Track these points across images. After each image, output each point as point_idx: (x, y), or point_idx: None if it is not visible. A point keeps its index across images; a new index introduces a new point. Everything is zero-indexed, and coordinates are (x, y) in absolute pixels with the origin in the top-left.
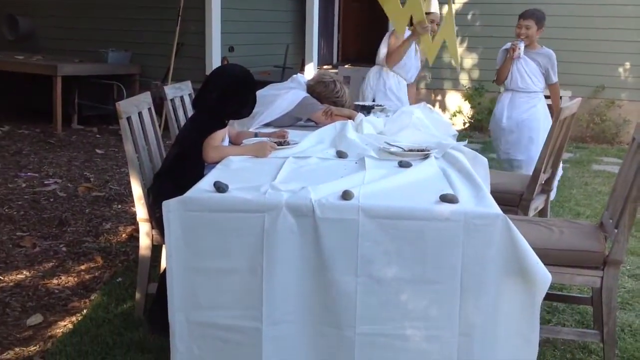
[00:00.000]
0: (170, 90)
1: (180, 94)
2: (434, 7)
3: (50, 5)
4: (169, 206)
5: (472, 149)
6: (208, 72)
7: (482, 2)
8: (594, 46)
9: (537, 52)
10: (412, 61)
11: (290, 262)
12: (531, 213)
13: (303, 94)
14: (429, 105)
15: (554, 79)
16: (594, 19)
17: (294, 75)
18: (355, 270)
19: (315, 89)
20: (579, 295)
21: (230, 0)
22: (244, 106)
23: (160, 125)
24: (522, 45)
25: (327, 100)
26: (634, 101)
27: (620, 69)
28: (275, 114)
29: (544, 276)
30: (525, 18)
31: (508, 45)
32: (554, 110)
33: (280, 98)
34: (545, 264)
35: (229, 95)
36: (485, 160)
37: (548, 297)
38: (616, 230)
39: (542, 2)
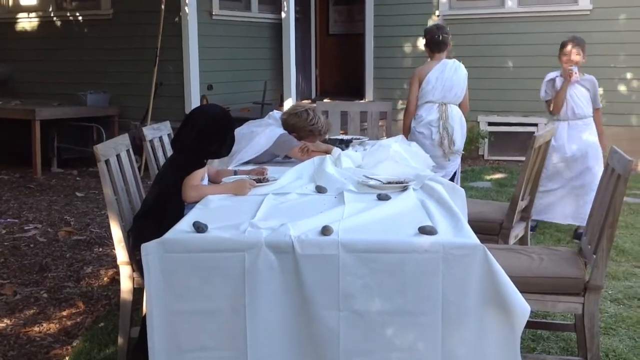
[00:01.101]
0: (149, 131)
1: (159, 134)
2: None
3: (27, 49)
4: (148, 249)
5: None
6: (187, 111)
7: (455, 34)
8: None
9: (583, 79)
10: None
11: (272, 300)
12: (512, 241)
13: (280, 130)
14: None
15: (599, 104)
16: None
17: (271, 112)
18: (337, 305)
19: (289, 122)
20: (563, 322)
21: (208, 39)
22: (223, 146)
23: (140, 166)
24: (576, 70)
25: (303, 130)
26: (609, 126)
27: None
28: (253, 152)
29: (522, 308)
30: (575, 45)
31: (552, 75)
32: (599, 134)
33: (258, 135)
34: (526, 292)
35: (207, 136)
36: (463, 191)
37: (532, 325)
38: (595, 256)
39: (515, 32)
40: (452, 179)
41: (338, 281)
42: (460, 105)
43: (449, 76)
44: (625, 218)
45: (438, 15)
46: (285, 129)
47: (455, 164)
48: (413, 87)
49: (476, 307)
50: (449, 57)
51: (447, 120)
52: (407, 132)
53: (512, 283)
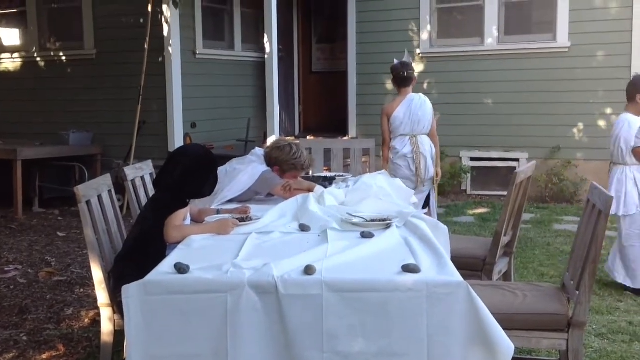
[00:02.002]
0: (130, 171)
1: (140, 174)
2: None
3: (10, 89)
4: (128, 291)
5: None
6: (171, 149)
7: (437, 71)
8: (548, 109)
9: None
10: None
11: (255, 342)
12: (495, 277)
13: (263, 168)
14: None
15: None
16: (547, 83)
17: (254, 149)
18: (321, 346)
19: (272, 155)
20: (547, 358)
21: (192, 77)
22: (205, 186)
23: (122, 205)
24: None
25: (286, 164)
26: (590, 160)
27: (574, 130)
28: (236, 190)
29: (507, 346)
30: None
31: None
32: None
33: (241, 173)
34: (511, 329)
35: (190, 175)
36: (446, 228)
37: None
38: (578, 292)
39: (495, 69)
40: (427, 203)
41: (322, 321)
42: (429, 135)
43: (415, 111)
44: (608, 252)
45: (410, 51)
46: (267, 162)
47: (427, 189)
48: (383, 122)
49: (461, 345)
50: (426, 95)
51: (420, 150)
52: (386, 162)
53: (495, 321)
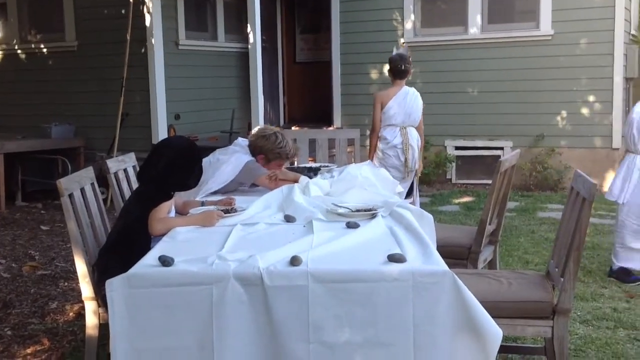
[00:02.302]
0: (113, 164)
1: (123, 166)
2: None
3: None
4: (112, 284)
5: (421, 202)
6: (155, 141)
7: (421, 60)
8: (532, 97)
9: None
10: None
11: (241, 334)
12: (480, 265)
13: (246, 157)
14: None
15: None
16: (531, 71)
17: (237, 140)
18: (307, 336)
19: (257, 144)
20: (533, 345)
21: (175, 68)
22: (190, 178)
23: (106, 198)
24: None
25: (271, 152)
26: (573, 148)
27: (558, 118)
28: (221, 182)
29: (495, 332)
30: None
31: None
32: None
33: (225, 164)
34: (496, 317)
35: (174, 168)
36: (431, 217)
37: (503, 349)
38: (562, 279)
39: (479, 58)
40: (410, 191)
41: (308, 312)
42: (417, 128)
43: (409, 104)
44: (592, 239)
45: (403, 43)
46: (252, 151)
47: (411, 179)
48: (376, 109)
49: (448, 334)
50: (410, 84)
51: (409, 142)
52: (374, 150)
53: (482, 308)
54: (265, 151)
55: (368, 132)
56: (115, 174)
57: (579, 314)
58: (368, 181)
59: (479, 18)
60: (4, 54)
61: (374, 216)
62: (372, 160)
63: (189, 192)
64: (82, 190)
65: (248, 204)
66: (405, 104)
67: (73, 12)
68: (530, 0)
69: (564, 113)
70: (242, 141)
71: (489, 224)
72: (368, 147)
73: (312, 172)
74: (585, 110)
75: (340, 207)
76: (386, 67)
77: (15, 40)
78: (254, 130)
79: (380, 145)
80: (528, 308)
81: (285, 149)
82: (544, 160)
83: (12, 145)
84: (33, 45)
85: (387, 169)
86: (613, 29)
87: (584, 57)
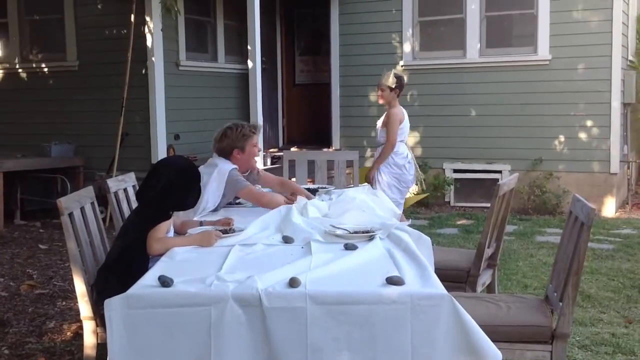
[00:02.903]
0: (113, 183)
1: (123, 186)
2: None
3: None
4: (111, 304)
5: (419, 225)
6: (154, 161)
7: (419, 83)
8: (530, 121)
9: None
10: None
11: (239, 355)
12: (479, 288)
13: (227, 167)
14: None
15: None
16: (528, 95)
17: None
18: (305, 358)
19: (224, 146)
20: None
21: (175, 89)
22: (188, 197)
23: (105, 217)
24: None
25: (239, 141)
26: (571, 172)
27: (556, 142)
28: (213, 202)
29: (494, 354)
30: None
31: None
32: None
33: (209, 183)
34: (495, 340)
35: (173, 188)
36: (429, 239)
37: None
38: (561, 303)
39: (477, 82)
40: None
41: (306, 334)
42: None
43: (407, 119)
44: (590, 264)
45: (402, 66)
46: (224, 155)
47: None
48: (397, 126)
49: (447, 357)
50: (408, 107)
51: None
52: (382, 162)
53: (481, 331)
54: (234, 144)
55: (368, 154)
56: (116, 193)
57: (577, 339)
58: (366, 204)
59: (477, 42)
60: (5, 72)
61: (371, 238)
62: (377, 171)
63: (186, 211)
64: (82, 209)
65: (246, 225)
66: (407, 120)
67: (74, 32)
68: (528, 25)
69: (561, 137)
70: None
71: (488, 248)
72: (374, 158)
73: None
74: (583, 135)
75: (338, 228)
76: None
77: (16, 59)
78: (212, 143)
79: (397, 160)
80: (527, 332)
81: (245, 129)
82: (542, 184)
83: (11, 164)
84: (34, 65)
85: (401, 184)
86: (610, 54)
87: (582, 82)
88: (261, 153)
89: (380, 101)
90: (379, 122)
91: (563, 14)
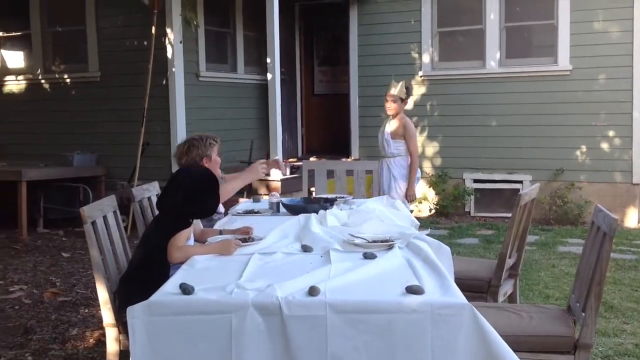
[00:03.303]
0: (138, 192)
1: (147, 194)
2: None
3: (14, 111)
4: (133, 312)
5: (439, 235)
6: (174, 171)
7: (439, 94)
8: (551, 131)
9: None
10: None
11: None
12: (500, 298)
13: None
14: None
15: None
16: (549, 105)
17: None
18: None
19: (190, 160)
20: None
21: (195, 100)
22: (208, 204)
23: (127, 226)
24: None
25: (205, 150)
26: (593, 182)
27: (577, 152)
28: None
29: None
30: None
31: None
32: None
33: None
34: (517, 351)
35: (192, 195)
36: (448, 249)
37: None
38: (584, 314)
39: (497, 92)
40: None
41: (326, 343)
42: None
43: None
44: (613, 274)
45: (421, 77)
46: (195, 166)
47: None
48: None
49: None
50: (428, 117)
51: None
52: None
53: (502, 340)
54: (203, 154)
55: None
56: (140, 201)
57: (600, 349)
58: (384, 214)
59: (496, 52)
60: (28, 83)
61: (391, 247)
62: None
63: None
64: (105, 218)
65: (265, 233)
66: None
67: (96, 44)
68: (549, 35)
69: (583, 147)
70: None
71: (509, 258)
72: (409, 177)
73: (328, 203)
74: (604, 145)
75: (357, 237)
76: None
77: (39, 70)
78: (177, 160)
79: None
80: (549, 343)
81: (209, 139)
82: (564, 195)
83: (34, 173)
84: (57, 75)
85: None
86: (632, 64)
87: (603, 92)
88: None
89: (390, 112)
90: (387, 133)
91: (583, 24)
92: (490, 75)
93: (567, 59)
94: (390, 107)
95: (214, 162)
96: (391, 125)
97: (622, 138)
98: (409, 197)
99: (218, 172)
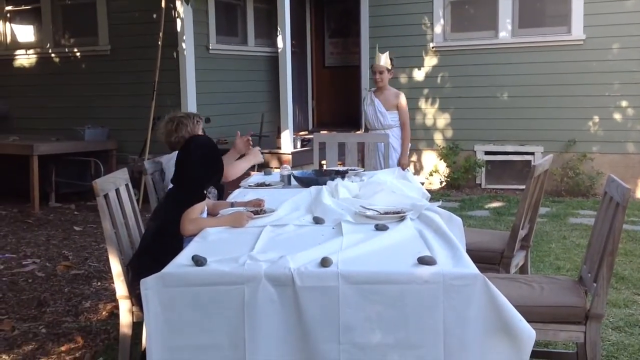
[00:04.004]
0: (150, 165)
1: (159, 167)
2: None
3: (25, 86)
4: (147, 283)
5: (450, 207)
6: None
7: (450, 65)
8: (563, 102)
9: None
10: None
11: (272, 333)
12: (512, 270)
13: None
14: (404, 171)
15: None
16: (562, 76)
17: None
18: (337, 337)
19: (181, 134)
20: (564, 351)
21: (205, 72)
22: (217, 171)
23: (138, 200)
24: None
25: (196, 132)
26: (605, 153)
27: (590, 123)
28: None
29: (528, 333)
30: None
31: None
32: None
33: None
34: (529, 321)
35: (201, 163)
36: (460, 220)
37: (534, 354)
38: (595, 284)
39: (509, 62)
40: None
41: (338, 313)
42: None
43: None
44: (625, 245)
45: (433, 47)
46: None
47: None
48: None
49: (479, 336)
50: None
51: None
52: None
53: (514, 309)
54: (192, 132)
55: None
56: (152, 174)
57: (611, 320)
58: (395, 186)
59: (509, 22)
60: (38, 57)
61: (402, 219)
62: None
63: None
64: (117, 191)
65: (277, 206)
66: None
67: (106, 17)
68: (562, 4)
69: (595, 118)
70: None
71: (522, 229)
72: (403, 147)
73: (339, 176)
74: (617, 116)
75: (368, 209)
76: (416, 72)
77: (49, 44)
78: (164, 139)
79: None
80: (561, 313)
81: (196, 116)
82: (576, 166)
83: (46, 147)
84: (67, 50)
85: None
86: None
87: (616, 62)
88: (291, 135)
89: (381, 84)
90: (380, 105)
91: None
92: (502, 46)
93: (581, 28)
94: (382, 79)
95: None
96: (384, 97)
97: (635, 108)
98: (404, 166)
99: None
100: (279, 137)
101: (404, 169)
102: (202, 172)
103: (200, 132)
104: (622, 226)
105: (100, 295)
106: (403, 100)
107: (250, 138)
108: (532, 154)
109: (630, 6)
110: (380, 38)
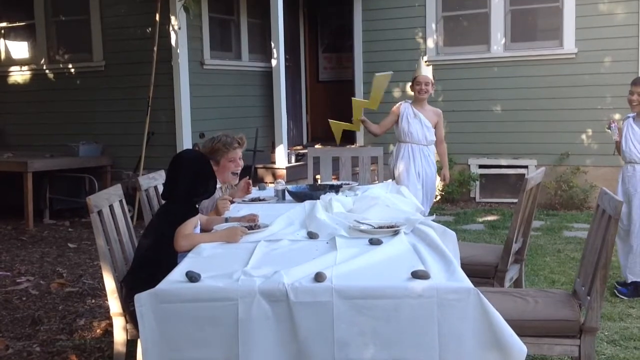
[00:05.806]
0: (145, 181)
1: (154, 183)
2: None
3: (19, 102)
4: (141, 300)
5: (445, 221)
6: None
7: (443, 79)
8: (556, 115)
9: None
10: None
11: (266, 349)
12: (507, 284)
13: None
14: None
15: None
16: (554, 89)
17: None
18: (332, 354)
19: (205, 151)
20: None
21: (200, 88)
22: (209, 184)
23: (132, 216)
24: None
25: (213, 158)
26: (599, 167)
27: (583, 136)
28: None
29: (519, 348)
30: (637, 85)
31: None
32: None
33: None
34: (522, 335)
35: (192, 177)
36: (454, 234)
37: None
38: (589, 298)
39: (502, 76)
40: None
41: (333, 329)
42: None
43: None
44: (618, 258)
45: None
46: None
47: None
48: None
49: (473, 351)
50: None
51: None
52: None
53: (507, 325)
54: (210, 155)
55: (392, 150)
56: (147, 190)
57: (606, 333)
58: (390, 200)
59: (501, 36)
60: (32, 73)
61: (396, 233)
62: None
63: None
64: (111, 207)
65: (271, 221)
66: None
67: (100, 33)
68: (554, 18)
69: (589, 131)
70: None
71: (515, 242)
72: (444, 161)
73: (333, 190)
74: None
75: (362, 223)
76: (408, 86)
77: (43, 60)
78: (278, 155)
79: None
80: (555, 327)
81: (222, 141)
82: (569, 179)
83: (40, 164)
84: (61, 65)
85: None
86: (637, 47)
87: (608, 75)
88: (285, 150)
89: (426, 95)
90: (426, 121)
91: (588, 6)
92: (495, 60)
93: (573, 42)
94: (427, 89)
95: (221, 168)
96: (425, 112)
97: None
98: (447, 178)
99: (227, 179)
100: (273, 151)
101: (447, 182)
102: (192, 185)
103: (223, 160)
104: (615, 239)
105: (95, 313)
106: (441, 115)
107: (250, 182)
108: (526, 167)
109: (621, 20)
110: (373, 52)
